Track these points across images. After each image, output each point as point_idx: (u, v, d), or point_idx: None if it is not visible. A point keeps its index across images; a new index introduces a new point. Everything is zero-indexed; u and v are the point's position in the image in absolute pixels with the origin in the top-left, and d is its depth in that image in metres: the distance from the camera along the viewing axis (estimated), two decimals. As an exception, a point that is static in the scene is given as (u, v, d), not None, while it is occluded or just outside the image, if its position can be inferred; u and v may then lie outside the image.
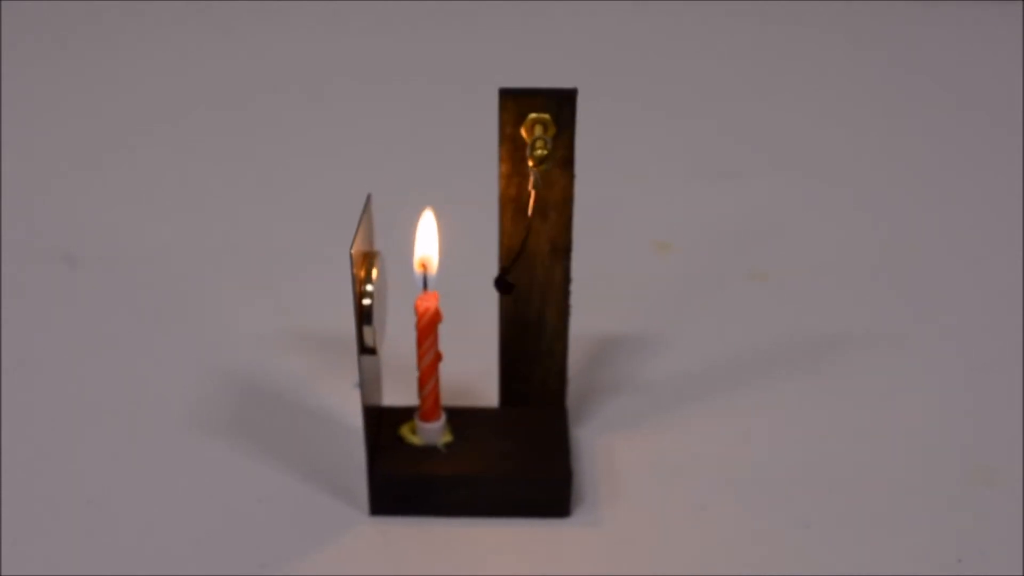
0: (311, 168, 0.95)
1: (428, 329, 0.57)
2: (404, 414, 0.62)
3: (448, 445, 0.60)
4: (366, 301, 0.55)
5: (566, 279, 0.60)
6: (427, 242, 0.57)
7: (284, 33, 1.23)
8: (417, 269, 0.57)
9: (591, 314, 0.72)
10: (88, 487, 0.61)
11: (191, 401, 0.67)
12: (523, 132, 0.56)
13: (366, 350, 0.56)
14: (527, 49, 1.19)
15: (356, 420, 0.62)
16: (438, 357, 0.59)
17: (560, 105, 0.55)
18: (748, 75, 1.16)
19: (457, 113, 1.02)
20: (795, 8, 1.32)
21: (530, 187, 0.56)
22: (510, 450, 0.60)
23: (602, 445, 0.64)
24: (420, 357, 0.58)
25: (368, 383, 0.58)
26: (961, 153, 0.99)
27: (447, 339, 0.59)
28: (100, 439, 0.64)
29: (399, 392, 0.64)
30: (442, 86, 1.09)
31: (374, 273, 0.55)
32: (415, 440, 0.60)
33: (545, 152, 0.54)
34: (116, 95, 1.08)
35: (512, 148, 0.56)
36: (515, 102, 0.55)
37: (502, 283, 0.57)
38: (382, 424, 0.61)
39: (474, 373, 0.67)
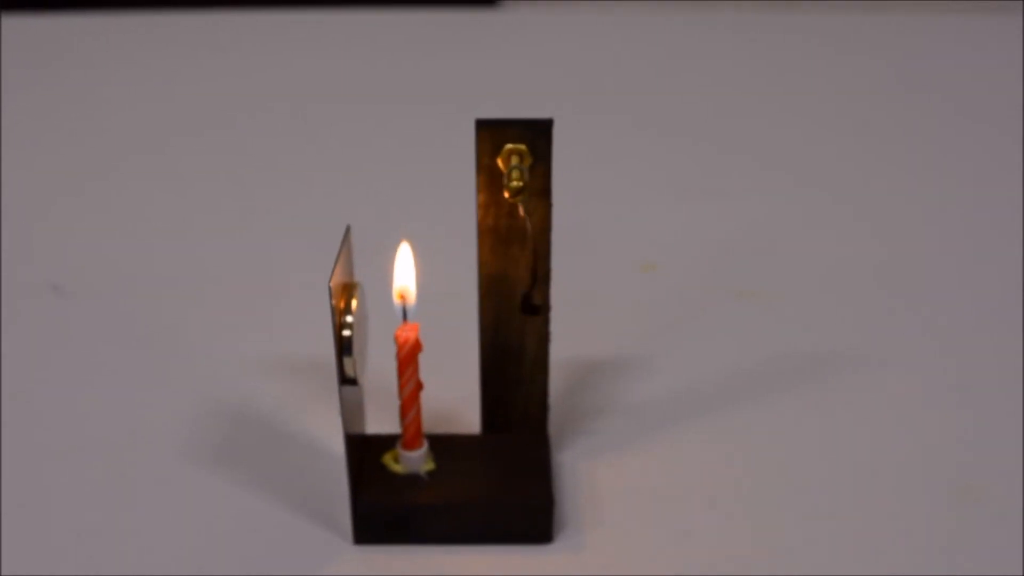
0: (293, 200, 0.95)
1: (408, 359, 0.58)
2: (387, 442, 0.62)
3: (431, 473, 0.61)
4: (346, 332, 0.55)
5: (546, 307, 0.61)
6: (404, 274, 0.57)
7: (264, 65, 1.24)
8: (396, 300, 0.58)
9: (575, 337, 0.73)
10: (77, 519, 0.61)
11: (175, 430, 0.67)
12: (499, 163, 0.56)
13: (347, 380, 0.56)
14: (505, 74, 1.19)
15: (339, 449, 0.62)
16: (419, 386, 0.59)
17: (536, 135, 0.56)
18: (731, 92, 1.17)
19: (435, 144, 1.03)
20: (779, 23, 1.33)
21: (521, 213, 0.57)
22: (492, 477, 0.60)
23: (585, 470, 0.64)
24: (401, 387, 0.59)
25: (350, 412, 0.58)
26: (952, 169, 1.00)
27: (429, 367, 0.60)
28: (87, 470, 0.64)
29: (382, 420, 0.65)
30: (419, 117, 1.10)
31: (354, 304, 0.55)
32: (398, 468, 0.61)
33: (521, 183, 0.55)
34: (99, 124, 1.09)
35: (489, 178, 0.57)
36: (491, 133, 0.56)
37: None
38: (365, 453, 0.62)
39: (456, 400, 0.68)
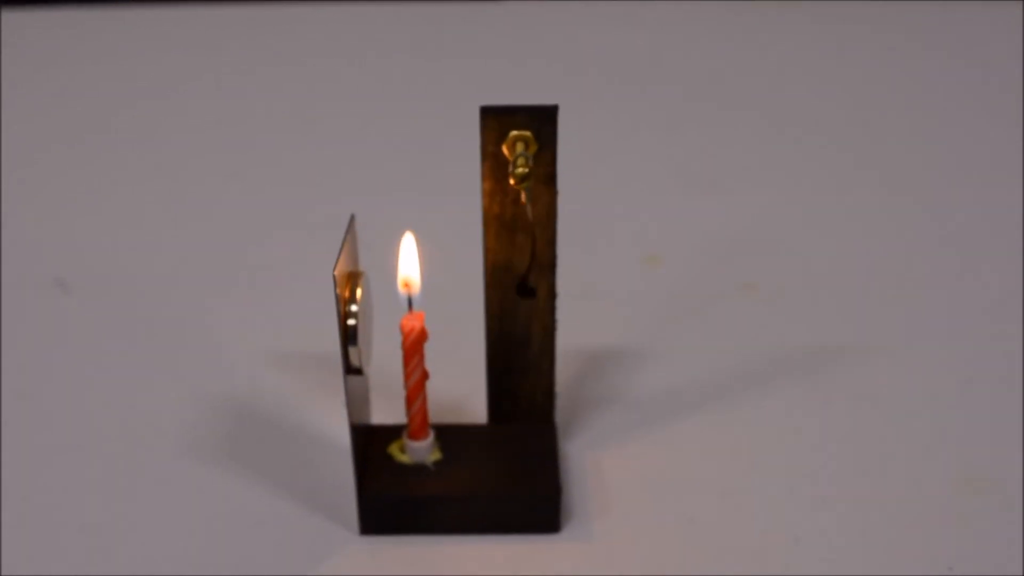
0: (297, 190, 0.95)
1: (414, 348, 0.58)
2: (393, 432, 0.62)
3: (437, 463, 0.60)
4: (351, 322, 0.55)
5: (551, 295, 0.60)
6: (409, 263, 0.57)
7: (268, 57, 1.23)
8: (401, 289, 0.57)
9: (581, 329, 0.73)
10: (80, 513, 0.61)
11: (180, 424, 0.67)
12: (505, 150, 0.56)
13: (352, 370, 0.56)
14: (510, 65, 1.19)
15: (345, 439, 0.62)
16: (425, 376, 0.59)
17: (541, 122, 0.55)
18: (737, 85, 1.16)
19: (440, 131, 1.03)
20: (784, 17, 1.32)
21: (523, 201, 0.56)
22: (499, 467, 0.60)
23: (592, 460, 0.64)
24: (407, 376, 0.58)
25: (356, 402, 0.58)
26: (953, 164, 0.99)
27: (434, 357, 0.59)
28: (92, 464, 0.64)
29: (387, 410, 0.64)
30: (424, 105, 1.09)
31: (358, 293, 0.55)
32: (404, 458, 0.60)
33: (526, 170, 0.54)
34: (104, 119, 1.09)
35: (494, 166, 0.56)
36: (496, 120, 0.55)
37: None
38: (371, 443, 0.61)
39: (462, 390, 0.67)
